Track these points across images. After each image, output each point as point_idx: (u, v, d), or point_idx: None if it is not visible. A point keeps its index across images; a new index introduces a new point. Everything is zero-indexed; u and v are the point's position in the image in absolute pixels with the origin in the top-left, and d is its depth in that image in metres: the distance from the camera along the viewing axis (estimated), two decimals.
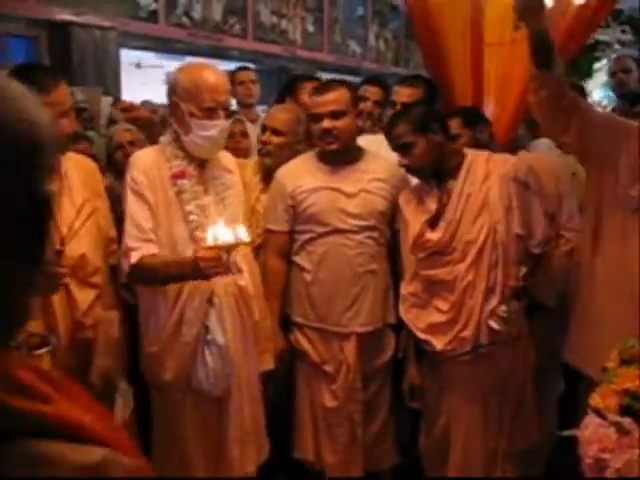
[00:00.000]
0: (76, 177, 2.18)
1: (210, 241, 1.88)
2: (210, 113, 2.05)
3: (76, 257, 2.07)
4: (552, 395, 2.63)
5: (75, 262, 2.07)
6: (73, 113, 2.12)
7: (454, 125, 2.58)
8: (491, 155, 2.31)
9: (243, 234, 1.92)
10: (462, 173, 2.25)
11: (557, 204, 2.45)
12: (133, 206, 2.05)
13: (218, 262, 1.90)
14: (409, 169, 2.29)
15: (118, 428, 0.68)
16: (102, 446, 0.58)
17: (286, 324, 2.53)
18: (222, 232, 1.88)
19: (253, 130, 3.19)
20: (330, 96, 2.39)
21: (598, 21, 3.30)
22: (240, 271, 2.16)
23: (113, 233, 2.32)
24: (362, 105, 3.00)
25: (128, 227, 2.05)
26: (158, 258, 2.05)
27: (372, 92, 3.18)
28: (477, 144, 2.55)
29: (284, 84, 3.77)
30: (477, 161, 2.27)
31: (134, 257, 2.02)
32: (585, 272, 2.13)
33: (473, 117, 2.66)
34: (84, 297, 2.13)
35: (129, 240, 2.04)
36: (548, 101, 2.04)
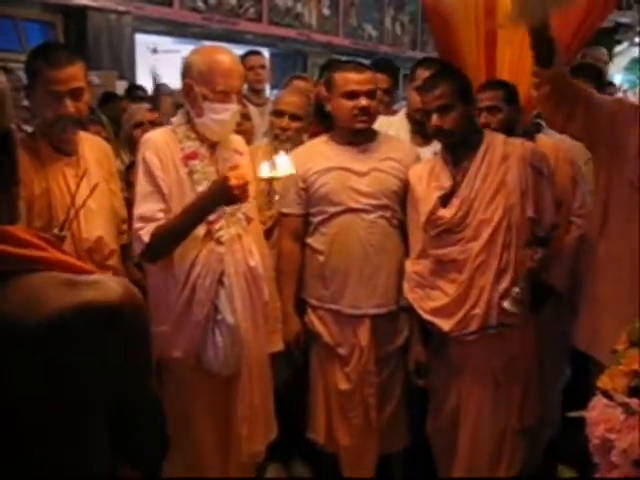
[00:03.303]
0: (91, 157, 2.20)
1: (266, 173, 1.96)
2: (223, 97, 2.05)
3: (93, 239, 2.10)
4: (558, 379, 2.64)
5: (92, 244, 2.09)
6: (89, 94, 2.14)
7: (495, 97, 2.53)
8: (507, 138, 2.30)
9: (285, 167, 1.99)
10: (480, 152, 2.24)
11: (571, 190, 2.45)
12: (145, 188, 2.05)
13: (245, 189, 1.95)
14: (439, 132, 2.23)
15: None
16: None
17: (301, 306, 2.54)
18: (282, 163, 1.97)
19: (257, 114, 3.20)
20: (368, 75, 2.41)
21: (612, 4, 3.23)
22: (250, 252, 2.17)
23: (124, 214, 2.34)
24: None
25: (138, 209, 2.04)
26: (168, 219, 2.03)
27: (381, 80, 3.16)
28: (511, 122, 2.53)
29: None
30: (495, 142, 2.26)
31: (145, 236, 2.01)
32: (592, 256, 2.13)
33: (513, 94, 2.59)
34: None
35: (138, 222, 2.03)
36: (550, 96, 2.03)
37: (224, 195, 1.95)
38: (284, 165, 1.98)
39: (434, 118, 2.21)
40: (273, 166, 1.97)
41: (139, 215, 2.03)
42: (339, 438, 2.51)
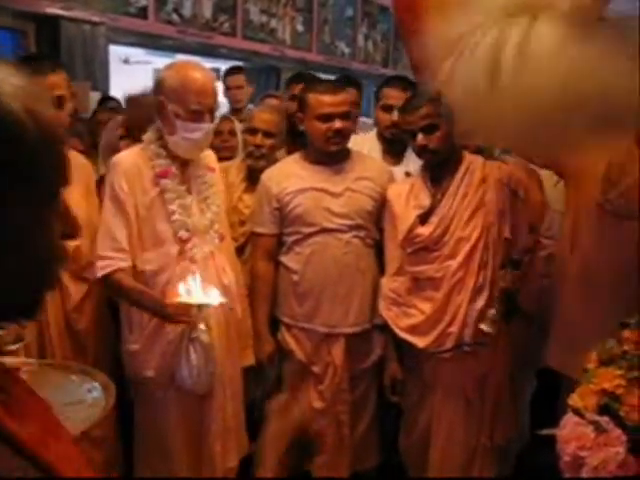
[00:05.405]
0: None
1: (183, 297, 1.92)
2: (196, 115, 2.02)
3: (71, 249, 2.08)
4: (525, 395, 2.68)
5: (69, 254, 2.09)
6: (71, 103, 2.13)
7: None
8: (485, 161, 2.35)
9: (215, 298, 1.95)
10: (460, 173, 2.28)
11: (541, 212, 2.51)
12: (109, 213, 2.05)
13: (187, 313, 1.95)
14: (424, 151, 2.26)
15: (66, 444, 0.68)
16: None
17: (274, 324, 2.54)
18: (195, 290, 1.92)
19: (240, 129, 3.22)
20: (343, 96, 2.40)
21: None
22: (224, 270, 2.17)
23: None
24: None
25: (101, 234, 2.05)
26: (133, 283, 2.05)
27: (350, 93, 3.18)
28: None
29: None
30: (475, 164, 2.31)
31: (101, 271, 2.03)
32: (564, 276, 2.18)
33: None
34: (76, 290, 2.14)
35: (100, 249, 2.05)
36: None
37: (167, 319, 2.00)
38: (197, 294, 1.95)
39: (420, 137, 2.23)
40: (200, 292, 1.95)
41: (103, 241, 2.05)
42: None
